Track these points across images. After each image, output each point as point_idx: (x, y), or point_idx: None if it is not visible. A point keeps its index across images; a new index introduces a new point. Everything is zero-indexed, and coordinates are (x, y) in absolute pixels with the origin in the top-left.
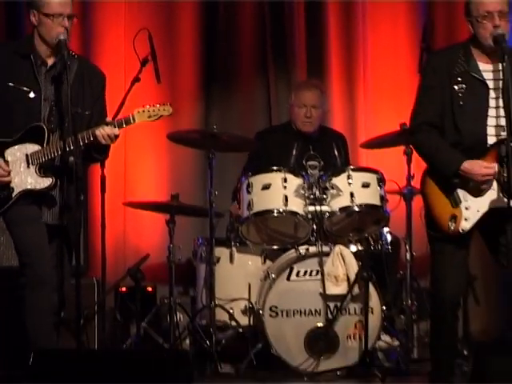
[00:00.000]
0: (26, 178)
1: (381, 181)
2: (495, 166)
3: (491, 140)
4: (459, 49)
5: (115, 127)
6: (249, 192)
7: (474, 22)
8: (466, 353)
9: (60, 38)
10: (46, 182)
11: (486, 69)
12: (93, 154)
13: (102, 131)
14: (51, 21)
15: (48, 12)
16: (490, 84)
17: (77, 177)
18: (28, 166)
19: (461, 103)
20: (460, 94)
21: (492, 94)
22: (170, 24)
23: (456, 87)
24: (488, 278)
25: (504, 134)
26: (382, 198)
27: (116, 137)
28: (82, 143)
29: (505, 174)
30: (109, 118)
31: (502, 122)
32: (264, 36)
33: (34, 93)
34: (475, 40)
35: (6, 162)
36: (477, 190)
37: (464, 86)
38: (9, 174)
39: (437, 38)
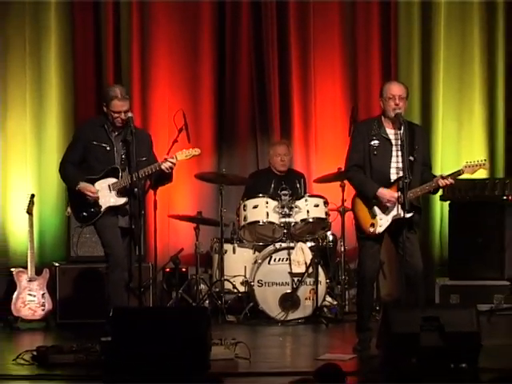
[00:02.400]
0: (109, 199)
1: (326, 203)
2: (396, 195)
3: (393, 177)
4: (374, 120)
5: (172, 161)
6: (245, 210)
7: (384, 101)
8: (377, 308)
9: (128, 115)
10: (122, 200)
11: (390, 132)
12: (163, 181)
13: (165, 164)
14: (118, 114)
15: (112, 109)
16: (393, 141)
17: (139, 200)
18: (110, 192)
19: (375, 153)
20: (374, 147)
21: (393, 148)
22: (196, 104)
23: (372, 143)
24: (391, 262)
25: (401, 173)
26: (327, 213)
27: (171, 168)
28: (146, 175)
29: (401, 198)
30: (165, 157)
31: (400, 165)
32: (254, 111)
33: (110, 147)
34: (384, 113)
35: (97, 190)
36: (385, 209)
37: (377, 142)
38: (97, 193)
39: (360, 115)
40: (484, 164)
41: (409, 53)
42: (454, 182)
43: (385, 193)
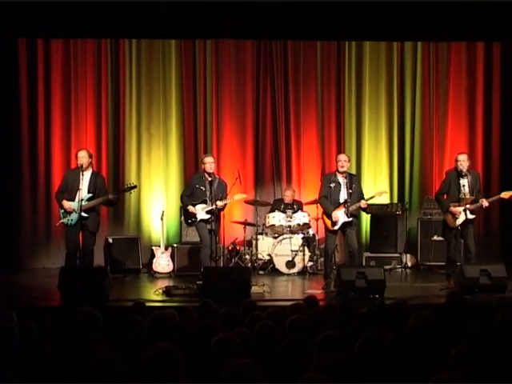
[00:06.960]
0: (201, 215)
1: (309, 215)
2: (339, 217)
3: (341, 201)
4: (332, 173)
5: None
6: (268, 218)
7: (336, 163)
8: (334, 267)
9: (210, 171)
10: (207, 216)
11: (340, 178)
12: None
13: (220, 203)
14: (208, 164)
15: (205, 162)
16: (341, 184)
17: (216, 215)
18: (202, 211)
19: (332, 190)
20: (332, 187)
21: (342, 187)
22: (244, 162)
23: (331, 185)
24: (342, 244)
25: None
26: (309, 221)
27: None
28: (221, 205)
29: (346, 211)
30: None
31: (345, 195)
32: (272, 167)
33: (204, 188)
34: (337, 169)
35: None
36: (337, 218)
37: (333, 184)
38: (196, 212)
39: (326, 168)
40: (385, 192)
41: (350, 139)
42: (367, 206)
43: (333, 214)
